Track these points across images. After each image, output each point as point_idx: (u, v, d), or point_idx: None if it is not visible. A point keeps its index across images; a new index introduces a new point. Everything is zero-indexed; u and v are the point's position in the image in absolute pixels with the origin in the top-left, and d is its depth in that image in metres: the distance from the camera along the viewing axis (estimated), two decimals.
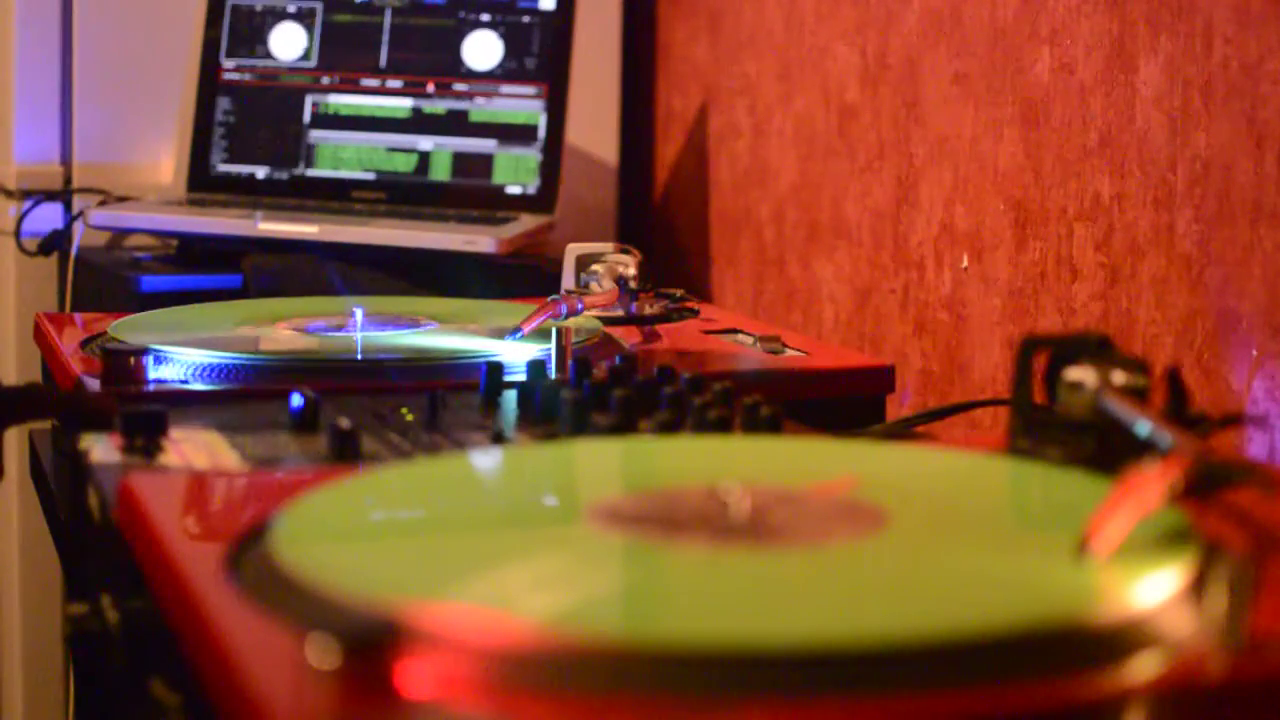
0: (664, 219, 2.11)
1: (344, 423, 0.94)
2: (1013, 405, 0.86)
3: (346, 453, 0.90)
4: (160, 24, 1.97)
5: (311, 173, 1.87)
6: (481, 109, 1.85)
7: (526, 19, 1.87)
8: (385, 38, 1.89)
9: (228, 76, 1.90)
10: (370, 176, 1.86)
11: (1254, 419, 1.15)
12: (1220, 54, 1.19)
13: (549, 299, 1.24)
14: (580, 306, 1.26)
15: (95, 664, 0.78)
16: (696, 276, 2.01)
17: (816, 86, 1.75)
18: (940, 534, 0.72)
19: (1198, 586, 0.64)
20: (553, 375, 1.11)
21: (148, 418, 0.94)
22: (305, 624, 0.60)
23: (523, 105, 1.85)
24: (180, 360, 1.13)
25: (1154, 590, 0.63)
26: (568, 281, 1.43)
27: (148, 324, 1.27)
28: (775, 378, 1.20)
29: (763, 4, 1.86)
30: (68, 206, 1.94)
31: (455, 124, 1.86)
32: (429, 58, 1.88)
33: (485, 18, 1.87)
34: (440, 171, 1.85)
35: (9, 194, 1.94)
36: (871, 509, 0.74)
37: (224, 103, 1.90)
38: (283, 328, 1.28)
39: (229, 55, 1.91)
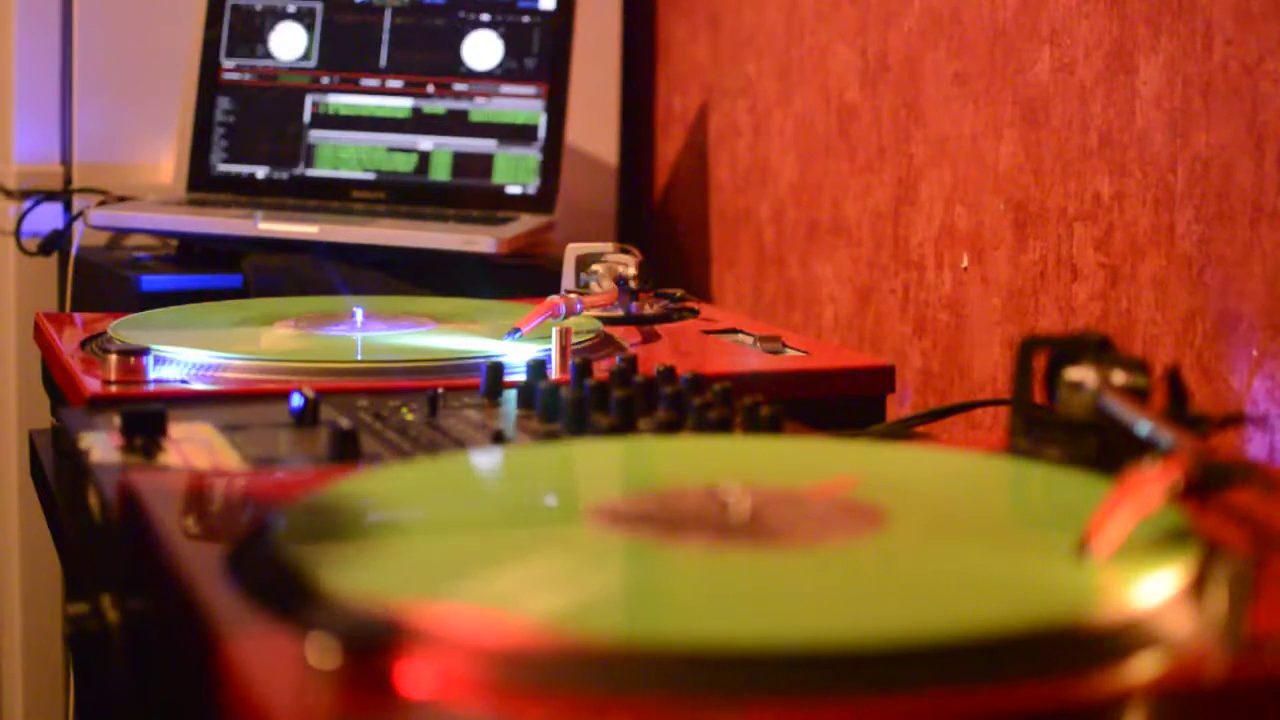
0: (664, 219, 2.11)
1: (344, 423, 0.94)
2: (1013, 405, 0.86)
3: (346, 453, 0.90)
4: (160, 24, 1.97)
5: (311, 173, 1.87)
6: (481, 109, 1.85)
7: (526, 19, 1.87)
8: (385, 38, 1.89)
9: (228, 76, 1.90)
10: (370, 176, 1.86)
11: (1254, 419, 1.15)
12: (1220, 54, 1.19)
13: (549, 299, 1.24)
14: (580, 306, 1.26)
15: (95, 664, 0.78)
16: (696, 276, 2.01)
17: (816, 86, 1.75)
18: (940, 534, 0.72)
19: (1198, 586, 0.64)
20: (553, 375, 1.11)
21: (148, 418, 0.94)
22: (305, 624, 0.60)
23: (523, 105, 1.85)
24: (180, 360, 1.13)
25: (1154, 590, 0.63)
26: (568, 281, 1.43)
27: (148, 324, 1.27)
28: (775, 378, 1.20)
29: (763, 4, 1.86)
30: (68, 206, 1.94)
31: (455, 124, 1.86)
32: (429, 58, 1.88)
33: (485, 18, 1.87)
34: (440, 171, 1.85)
35: (9, 194, 1.94)
36: (871, 509, 0.74)
37: (224, 103, 1.90)
38: (283, 328, 1.28)
39: (229, 55, 1.91)
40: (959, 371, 1.50)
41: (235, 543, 0.72)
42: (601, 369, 1.05)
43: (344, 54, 1.89)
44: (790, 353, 1.26)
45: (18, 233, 1.92)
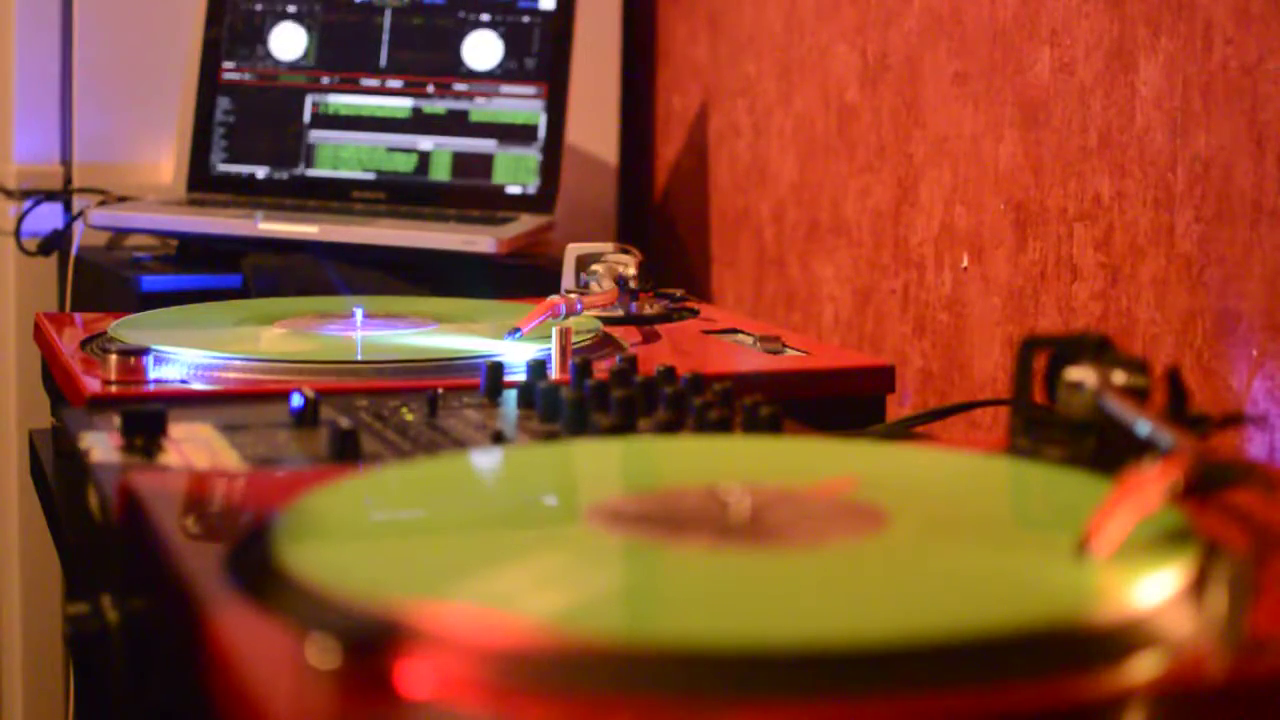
0: (664, 219, 2.11)
1: (344, 423, 0.94)
2: (1013, 405, 0.86)
3: (346, 453, 0.90)
4: (160, 24, 1.97)
5: (311, 173, 1.87)
6: (481, 109, 1.85)
7: (526, 19, 1.87)
8: (385, 38, 1.89)
9: (228, 76, 1.90)
10: (370, 176, 1.86)
11: (1254, 419, 1.15)
12: (1220, 54, 1.19)
13: (549, 299, 1.24)
14: (580, 306, 1.26)
15: (95, 664, 0.78)
16: (696, 276, 2.01)
17: (816, 86, 1.75)
18: (940, 534, 0.72)
19: (1198, 586, 0.64)
20: (553, 375, 1.11)
21: (148, 418, 0.94)
22: (305, 624, 0.60)
23: (523, 105, 1.85)
24: (180, 360, 1.13)
25: (1154, 590, 0.63)
26: (568, 281, 1.43)
27: (148, 324, 1.27)
28: (775, 378, 1.19)
29: (763, 4, 1.86)
30: (68, 206, 1.95)
31: (455, 124, 1.86)
32: (429, 58, 1.88)
33: (485, 18, 1.87)
34: (440, 171, 1.85)
35: (9, 194, 1.94)
36: (871, 509, 0.74)
37: (224, 103, 1.90)
38: (282, 328, 1.28)
39: (229, 55, 1.91)
40: (959, 371, 1.50)
41: (235, 543, 0.72)
42: (601, 369, 1.05)
43: (344, 54, 1.89)
44: (790, 353, 1.26)
45: (18, 233, 1.92)
